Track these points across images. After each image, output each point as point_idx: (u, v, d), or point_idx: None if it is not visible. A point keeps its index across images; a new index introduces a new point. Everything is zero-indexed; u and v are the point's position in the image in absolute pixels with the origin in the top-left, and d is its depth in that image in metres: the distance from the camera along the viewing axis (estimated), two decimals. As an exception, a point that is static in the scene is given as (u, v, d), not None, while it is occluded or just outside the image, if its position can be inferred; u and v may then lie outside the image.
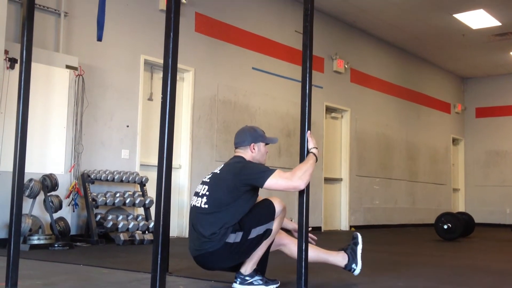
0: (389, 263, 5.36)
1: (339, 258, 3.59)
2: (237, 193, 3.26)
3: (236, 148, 3.54)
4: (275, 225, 3.32)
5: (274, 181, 3.18)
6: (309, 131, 3.30)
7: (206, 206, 3.28)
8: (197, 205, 3.34)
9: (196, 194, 3.41)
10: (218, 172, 3.41)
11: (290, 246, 3.50)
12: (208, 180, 3.39)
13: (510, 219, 13.74)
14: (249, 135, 3.51)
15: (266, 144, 3.56)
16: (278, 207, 3.32)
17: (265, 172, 3.22)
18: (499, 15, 10.18)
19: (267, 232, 3.29)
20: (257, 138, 3.51)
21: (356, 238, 3.63)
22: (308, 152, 3.27)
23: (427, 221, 12.34)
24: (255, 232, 3.25)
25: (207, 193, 3.32)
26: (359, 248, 3.60)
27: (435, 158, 13.91)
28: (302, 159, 3.35)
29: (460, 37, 11.55)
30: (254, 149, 3.48)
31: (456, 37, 11.59)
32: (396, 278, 4.16)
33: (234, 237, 3.21)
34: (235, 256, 3.26)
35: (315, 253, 3.50)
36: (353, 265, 3.57)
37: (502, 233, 11.16)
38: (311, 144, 3.29)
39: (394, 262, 5.47)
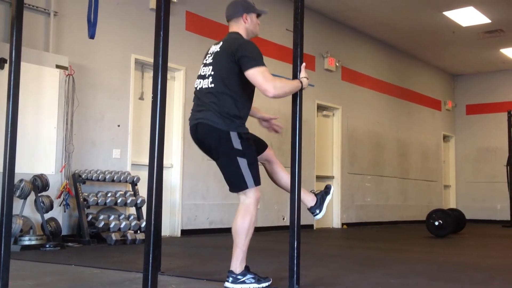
0: (381, 260, 5.38)
1: (309, 199, 3.61)
2: (234, 72, 3.30)
3: (228, 21, 3.55)
4: (248, 218, 3.29)
5: (256, 74, 3.21)
6: (304, 63, 3.39)
7: (213, 85, 3.33)
8: (203, 86, 3.38)
9: (201, 77, 3.43)
10: (218, 49, 3.43)
11: (275, 166, 3.59)
12: (212, 60, 3.41)
13: (501, 215, 13.82)
14: (241, 6, 3.52)
15: (258, 16, 3.56)
16: (256, 190, 3.33)
17: (255, 61, 3.24)
18: (488, 12, 10.23)
19: (241, 183, 3.29)
20: (249, 8, 3.52)
21: (329, 189, 3.67)
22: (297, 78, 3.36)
23: (418, 218, 12.38)
24: (238, 162, 3.27)
25: (212, 72, 3.36)
26: (328, 198, 3.64)
27: (426, 155, 13.97)
28: (293, 157, 3.35)
29: (450, 35, 11.60)
30: (246, 19, 3.50)
31: (446, 35, 11.63)
32: (388, 275, 4.18)
33: (235, 140, 3.27)
34: (222, 149, 3.30)
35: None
36: (317, 210, 3.60)
37: (493, 229, 11.23)
38: (303, 73, 3.38)
39: (386, 259, 5.49)
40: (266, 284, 3.37)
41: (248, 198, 3.32)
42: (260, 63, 3.24)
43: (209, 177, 7.94)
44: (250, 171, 3.30)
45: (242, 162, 3.28)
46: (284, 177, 3.57)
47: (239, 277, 3.32)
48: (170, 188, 7.76)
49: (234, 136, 3.28)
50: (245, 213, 3.30)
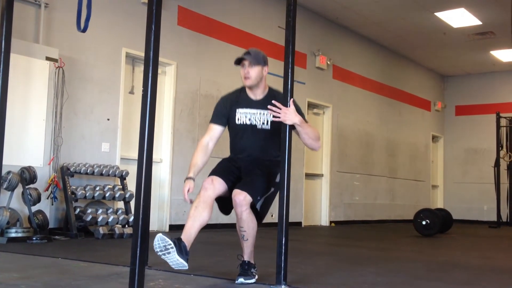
0: (368, 258, 5.41)
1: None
2: None
3: None
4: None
5: None
6: None
7: None
8: None
9: None
10: None
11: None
12: None
13: (488, 216, 13.93)
14: None
15: (237, 64, 3.61)
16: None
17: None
18: (479, 14, 10.29)
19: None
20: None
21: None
22: None
23: (406, 217, 12.45)
24: None
25: None
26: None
27: (415, 155, 14.04)
28: (283, 154, 3.36)
29: (441, 36, 11.66)
30: None
31: (437, 36, 11.69)
32: (375, 273, 4.20)
33: None
34: None
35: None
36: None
37: (479, 230, 11.32)
38: (188, 187, 3.45)
39: (373, 257, 5.52)
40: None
41: None
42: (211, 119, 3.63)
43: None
44: None
45: None
46: None
47: None
48: (159, 183, 7.74)
49: None
50: None
